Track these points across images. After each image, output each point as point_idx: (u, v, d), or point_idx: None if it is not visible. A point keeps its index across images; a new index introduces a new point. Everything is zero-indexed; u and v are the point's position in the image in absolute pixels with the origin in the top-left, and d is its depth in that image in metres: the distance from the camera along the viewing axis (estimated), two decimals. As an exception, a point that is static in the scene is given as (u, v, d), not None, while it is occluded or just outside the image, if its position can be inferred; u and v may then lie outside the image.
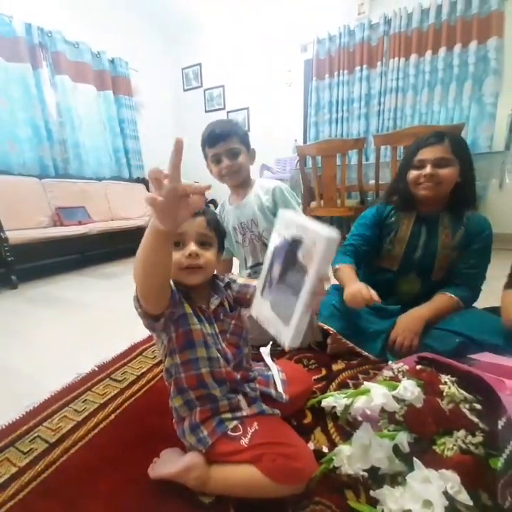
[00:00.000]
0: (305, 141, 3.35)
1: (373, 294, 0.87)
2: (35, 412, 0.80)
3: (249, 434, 0.56)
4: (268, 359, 0.78)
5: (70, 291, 1.93)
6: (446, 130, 1.00)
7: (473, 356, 0.72)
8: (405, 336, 0.92)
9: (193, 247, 0.57)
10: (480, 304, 1.02)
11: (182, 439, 0.62)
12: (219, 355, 0.60)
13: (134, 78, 3.54)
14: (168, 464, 0.59)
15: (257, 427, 0.57)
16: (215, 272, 0.66)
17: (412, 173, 0.99)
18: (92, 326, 1.39)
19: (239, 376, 0.64)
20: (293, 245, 0.43)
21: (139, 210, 3.32)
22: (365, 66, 2.89)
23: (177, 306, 0.58)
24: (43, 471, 0.63)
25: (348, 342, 0.97)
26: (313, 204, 2.63)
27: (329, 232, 0.37)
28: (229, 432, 0.57)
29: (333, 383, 0.87)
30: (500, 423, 0.52)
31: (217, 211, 1.19)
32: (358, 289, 0.90)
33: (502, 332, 0.84)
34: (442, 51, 2.58)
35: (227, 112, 3.85)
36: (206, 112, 4.01)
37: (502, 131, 2.49)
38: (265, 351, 0.81)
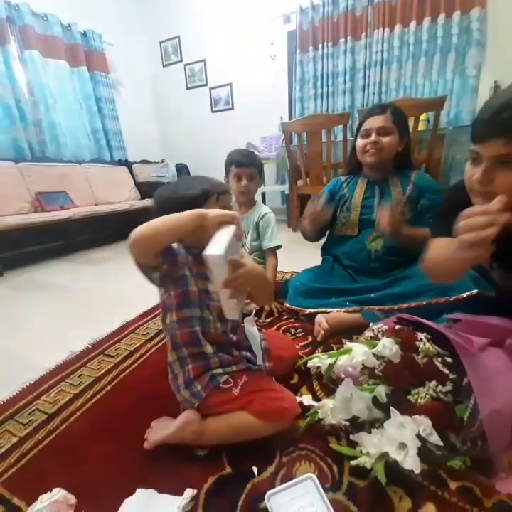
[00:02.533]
0: (290, 118, 3.29)
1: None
2: (32, 388, 0.82)
3: (240, 384, 0.62)
4: (254, 328, 0.81)
5: (57, 277, 1.92)
6: (390, 103, 1.13)
7: (454, 316, 0.77)
8: (390, 221, 0.99)
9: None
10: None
11: (177, 394, 0.66)
12: (211, 316, 0.65)
13: (109, 53, 3.35)
14: (162, 430, 0.62)
15: (246, 379, 0.64)
16: None
17: (359, 142, 1.10)
18: (81, 309, 1.40)
19: (235, 338, 0.70)
20: None
21: (123, 194, 3.24)
22: (349, 38, 2.81)
23: (176, 266, 0.62)
24: (43, 439, 0.66)
25: (319, 309, 1.03)
26: (299, 182, 2.63)
27: (210, 251, 0.47)
28: (221, 385, 0.63)
29: (319, 348, 0.92)
30: (465, 380, 0.57)
31: None
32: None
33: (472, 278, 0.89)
34: (426, 21, 2.53)
35: (210, 88, 3.72)
36: (188, 88, 3.86)
37: (484, 104, 2.51)
38: (249, 320, 0.84)
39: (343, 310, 1.00)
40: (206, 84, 3.74)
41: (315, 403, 0.69)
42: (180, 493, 0.52)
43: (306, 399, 0.71)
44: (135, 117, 3.76)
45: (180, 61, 3.81)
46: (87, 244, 2.70)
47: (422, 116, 2.24)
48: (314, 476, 0.52)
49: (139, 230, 0.52)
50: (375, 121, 1.05)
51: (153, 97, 4.06)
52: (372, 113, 1.07)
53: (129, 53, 3.68)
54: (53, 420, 0.70)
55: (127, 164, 3.46)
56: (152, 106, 4.08)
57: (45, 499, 0.50)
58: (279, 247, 1.28)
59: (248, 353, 0.72)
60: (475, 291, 0.87)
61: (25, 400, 0.77)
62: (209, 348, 0.64)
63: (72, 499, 0.52)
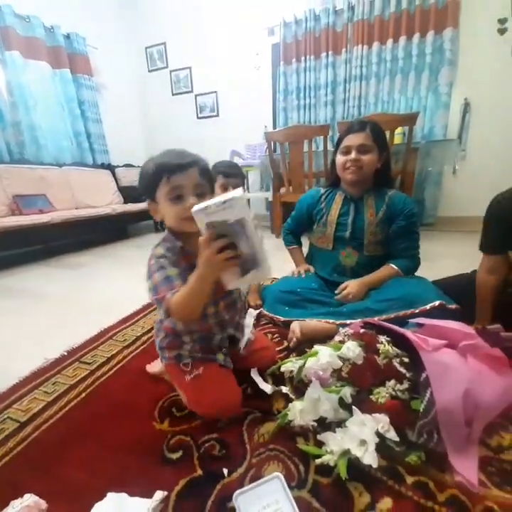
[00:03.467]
0: (274, 127, 3.37)
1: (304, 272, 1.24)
2: (4, 396, 0.81)
3: (193, 374, 0.72)
4: (250, 319, 0.88)
5: (34, 282, 1.88)
6: (370, 119, 1.16)
7: (418, 320, 0.82)
8: (352, 294, 1.09)
9: (191, 200, 0.63)
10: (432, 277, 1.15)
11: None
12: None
13: (93, 57, 3.33)
14: (155, 366, 0.88)
15: (200, 372, 0.72)
16: None
17: (340, 159, 1.12)
18: (58, 315, 1.38)
19: (227, 316, 0.76)
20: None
21: (106, 198, 3.20)
22: (330, 52, 2.93)
23: None
24: (15, 448, 0.65)
25: (296, 319, 1.05)
26: (282, 190, 2.69)
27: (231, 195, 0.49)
28: (181, 365, 0.74)
29: (293, 353, 0.95)
30: (423, 375, 0.62)
31: None
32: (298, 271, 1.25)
33: (436, 292, 0.99)
34: (402, 40, 2.68)
35: (196, 95, 3.75)
36: (173, 94, 3.88)
37: (456, 120, 2.67)
38: (252, 313, 0.87)
39: (315, 320, 1.04)
40: (192, 91, 3.77)
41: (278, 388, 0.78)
42: (151, 496, 0.53)
43: (269, 387, 0.79)
44: (119, 121, 3.74)
45: (166, 67, 3.83)
46: (67, 248, 2.65)
47: (399, 130, 2.36)
48: (281, 475, 0.55)
49: (180, 316, 0.63)
50: (354, 139, 1.06)
51: (138, 101, 4.05)
52: (352, 130, 1.07)
53: (114, 57, 3.67)
54: (25, 428, 0.70)
55: (110, 168, 3.43)
56: (137, 110, 4.07)
57: (16, 505, 0.51)
58: None
59: (233, 332, 0.79)
60: (437, 302, 0.94)
61: (-4, 408, 0.76)
62: (187, 338, 0.74)
63: (43, 504, 0.53)
